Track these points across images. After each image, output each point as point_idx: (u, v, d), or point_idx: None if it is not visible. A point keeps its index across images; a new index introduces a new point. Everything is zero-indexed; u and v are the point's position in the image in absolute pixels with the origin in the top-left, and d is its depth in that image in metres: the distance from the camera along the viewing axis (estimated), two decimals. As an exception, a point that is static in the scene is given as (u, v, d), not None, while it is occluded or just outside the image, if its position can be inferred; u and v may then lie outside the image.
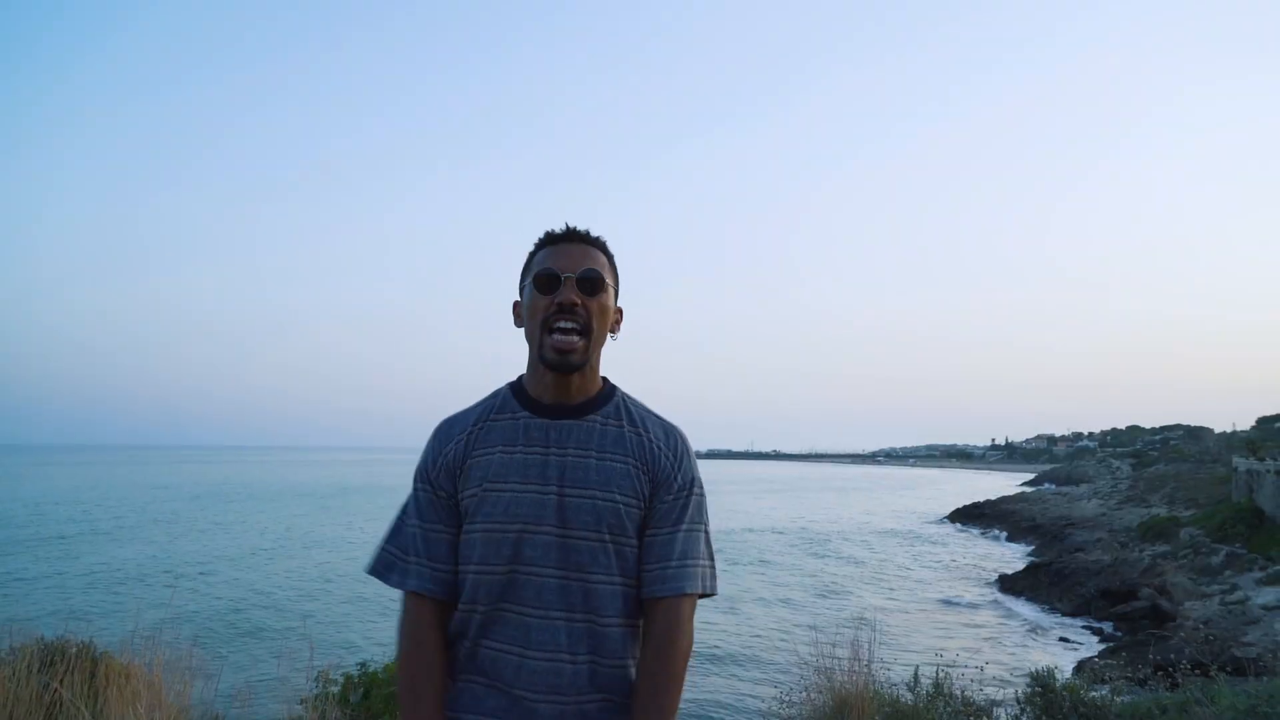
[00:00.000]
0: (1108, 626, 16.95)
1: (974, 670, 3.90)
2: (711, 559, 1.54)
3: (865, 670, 3.59)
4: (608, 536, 1.43)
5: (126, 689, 3.61)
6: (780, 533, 34.22)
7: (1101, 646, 14.84)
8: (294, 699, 4.07)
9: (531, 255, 1.57)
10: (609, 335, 1.55)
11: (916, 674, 3.82)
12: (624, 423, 1.51)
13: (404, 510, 1.55)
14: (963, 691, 3.78)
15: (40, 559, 23.58)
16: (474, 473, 1.48)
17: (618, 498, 1.44)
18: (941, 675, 3.79)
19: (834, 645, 3.73)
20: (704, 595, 1.51)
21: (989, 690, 4.18)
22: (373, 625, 15.38)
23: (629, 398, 1.58)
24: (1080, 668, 9.89)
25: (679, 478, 1.50)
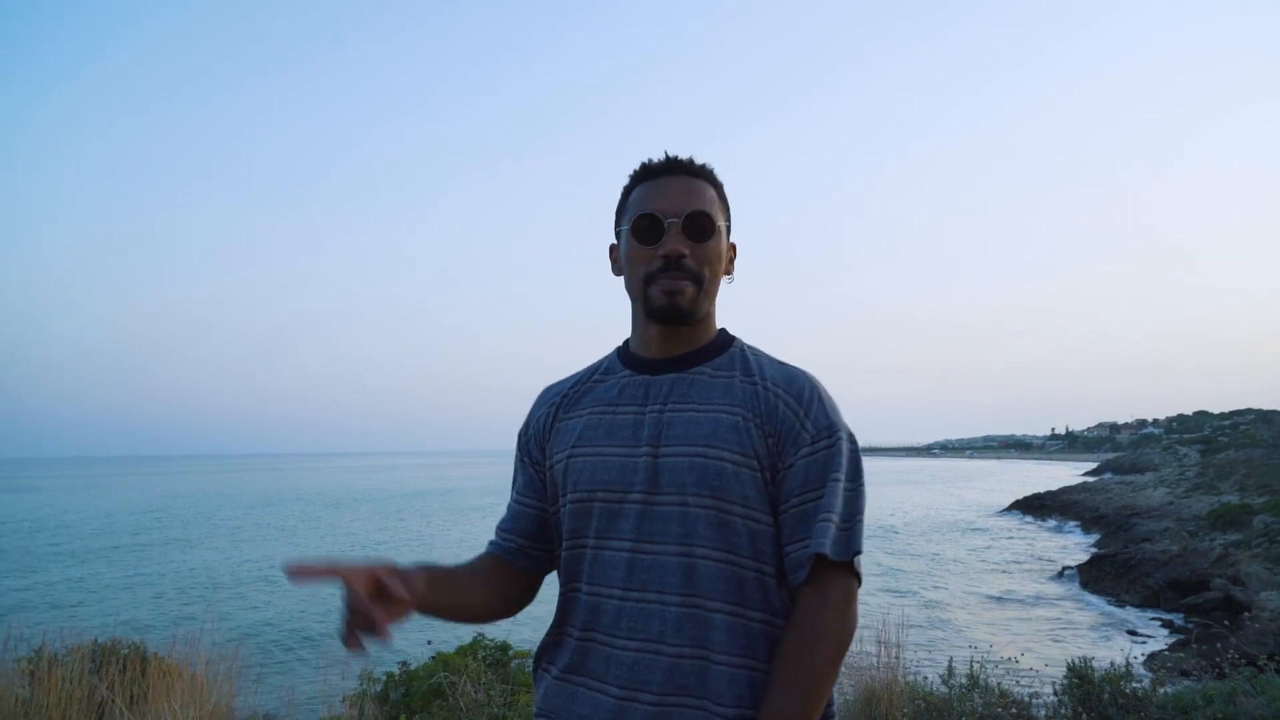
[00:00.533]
0: (1178, 618, 16.41)
1: (1010, 662, 3.77)
2: (847, 514, 1.20)
3: (894, 662, 3.50)
4: (710, 501, 1.16)
5: (175, 689, 3.74)
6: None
7: (1172, 639, 14.34)
8: (335, 698, 4.16)
9: (627, 192, 1.33)
10: (724, 279, 1.32)
11: (950, 666, 3.72)
12: (736, 372, 1.26)
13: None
14: (999, 684, 3.67)
15: (114, 564, 24.55)
16: (559, 438, 1.30)
17: (725, 454, 1.17)
18: (976, 668, 3.69)
19: (860, 640, 3.64)
20: (839, 558, 1.19)
21: (1033, 683, 4.05)
22: (427, 629, 15.62)
23: (751, 348, 1.32)
24: (1152, 660, 9.61)
25: (808, 426, 1.20)
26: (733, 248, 1.34)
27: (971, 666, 3.72)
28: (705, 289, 1.26)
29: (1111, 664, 3.58)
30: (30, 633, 4.10)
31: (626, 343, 1.36)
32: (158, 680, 3.70)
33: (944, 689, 3.56)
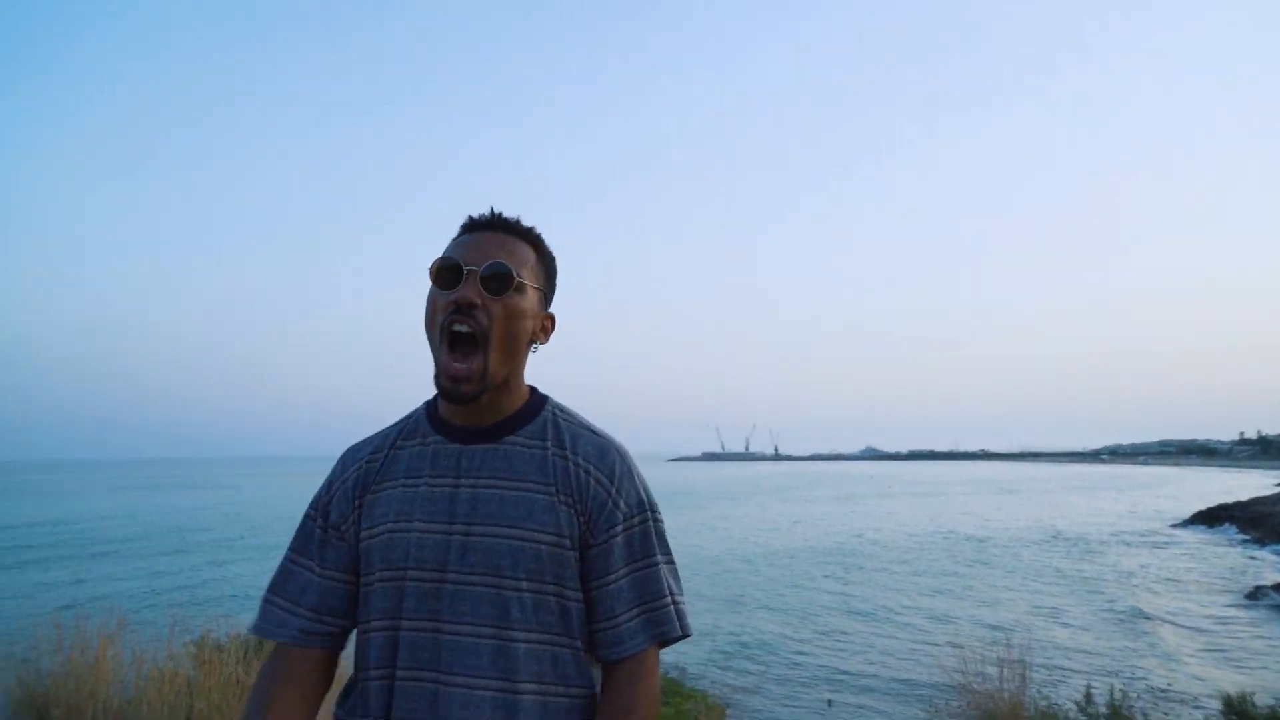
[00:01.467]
0: (1396, 649, 14.43)
1: (1168, 691, 3.39)
2: (680, 593, 1.28)
3: (1019, 684, 3.24)
4: (526, 584, 1.18)
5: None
6: (972, 540, 32.02)
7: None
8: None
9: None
10: (531, 346, 1.29)
11: (1089, 693, 3.39)
12: (548, 444, 1.26)
13: (290, 549, 1.30)
14: (1146, 716, 3.31)
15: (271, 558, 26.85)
16: (373, 509, 1.25)
17: (538, 536, 1.19)
18: (1119, 695, 3.34)
19: (982, 661, 3.39)
20: (679, 639, 1.26)
21: (1193, 717, 3.64)
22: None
23: (562, 411, 1.31)
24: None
25: (621, 506, 1.24)
26: (550, 318, 1.33)
27: (1112, 694, 3.38)
28: (493, 355, 1.21)
29: (1277, 699, 3.15)
30: (193, 619, 4.57)
31: (437, 400, 1.31)
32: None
33: (1082, 716, 3.26)
